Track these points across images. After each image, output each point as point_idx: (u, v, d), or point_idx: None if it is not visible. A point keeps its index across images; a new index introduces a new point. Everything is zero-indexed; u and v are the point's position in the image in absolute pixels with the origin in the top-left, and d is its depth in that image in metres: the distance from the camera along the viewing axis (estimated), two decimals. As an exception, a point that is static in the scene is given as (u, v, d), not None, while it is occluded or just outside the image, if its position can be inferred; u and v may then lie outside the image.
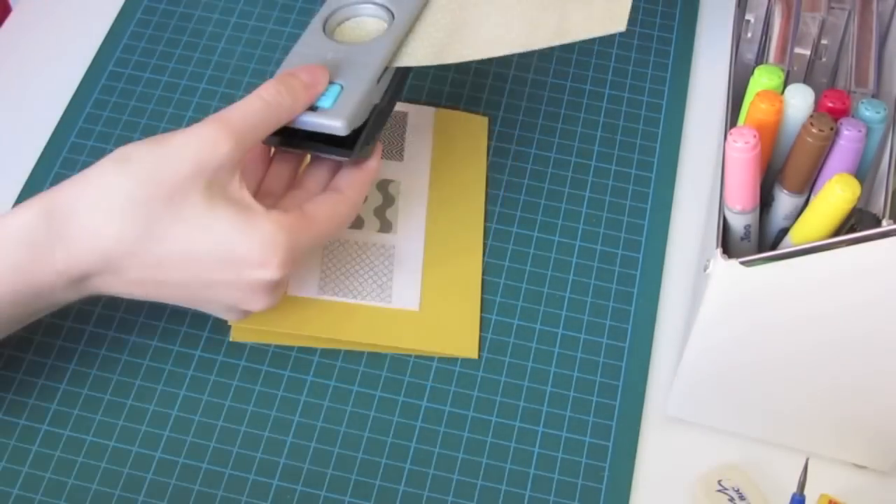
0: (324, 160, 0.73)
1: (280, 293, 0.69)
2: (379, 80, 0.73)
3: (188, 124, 0.86)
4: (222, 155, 0.66)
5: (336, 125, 0.70)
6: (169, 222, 0.65)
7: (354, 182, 0.72)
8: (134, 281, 0.67)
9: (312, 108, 0.70)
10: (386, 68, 0.74)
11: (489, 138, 0.87)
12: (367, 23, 0.77)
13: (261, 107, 0.68)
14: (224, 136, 0.66)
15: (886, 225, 0.62)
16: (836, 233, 0.64)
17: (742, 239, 0.69)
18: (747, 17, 0.76)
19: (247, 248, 0.66)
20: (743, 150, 0.65)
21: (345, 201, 0.71)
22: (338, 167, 0.73)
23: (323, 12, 0.77)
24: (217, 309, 0.70)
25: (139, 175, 0.66)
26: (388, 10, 0.77)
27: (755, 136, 0.64)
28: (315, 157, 0.73)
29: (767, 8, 0.75)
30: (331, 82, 0.72)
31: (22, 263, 0.65)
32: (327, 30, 0.76)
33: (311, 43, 0.75)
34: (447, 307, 0.78)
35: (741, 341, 0.68)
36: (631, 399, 0.76)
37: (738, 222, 0.68)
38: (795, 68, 0.73)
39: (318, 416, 0.74)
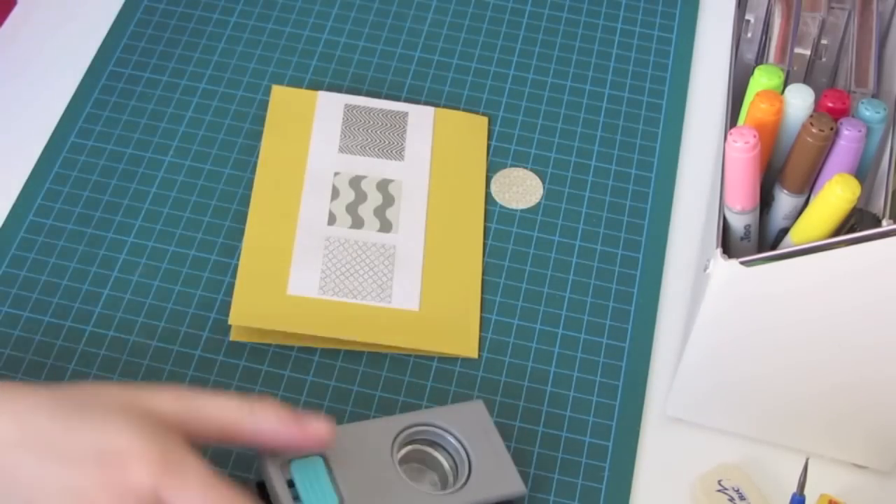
0: None
1: None
2: None
3: (188, 124, 0.86)
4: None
5: None
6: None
7: None
8: None
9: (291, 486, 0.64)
10: None
11: (489, 138, 0.87)
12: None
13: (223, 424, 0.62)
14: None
15: (886, 225, 0.62)
16: (836, 233, 0.64)
17: (742, 239, 0.69)
18: (747, 17, 0.76)
19: None
20: (743, 149, 0.65)
21: None
22: None
23: (402, 421, 0.69)
24: None
25: (26, 428, 0.60)
26: (454, 462, 0.69)
27: (755, 137, 0.64)
28: None
29: (767, 8, 0.75)
30: (332, 482, 0.64)
31: None
32: (396, 444, 0.68)
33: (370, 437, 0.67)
34: (447, 307, 0.78)
35: (741, 341, 0.68)
36: (631, 399, 0.76)
37: (738, 222, 0.68)
38: (795, 68, 0.73)
39: (318, 416, 0.74)
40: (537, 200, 0.83)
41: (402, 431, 0.68)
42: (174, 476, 0.59)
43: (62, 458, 0.59)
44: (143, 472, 0.59)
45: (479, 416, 0.71)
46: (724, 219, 0.68)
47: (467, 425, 0.70)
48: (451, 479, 0.69)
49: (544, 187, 0.85)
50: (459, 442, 0.69)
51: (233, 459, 0.72)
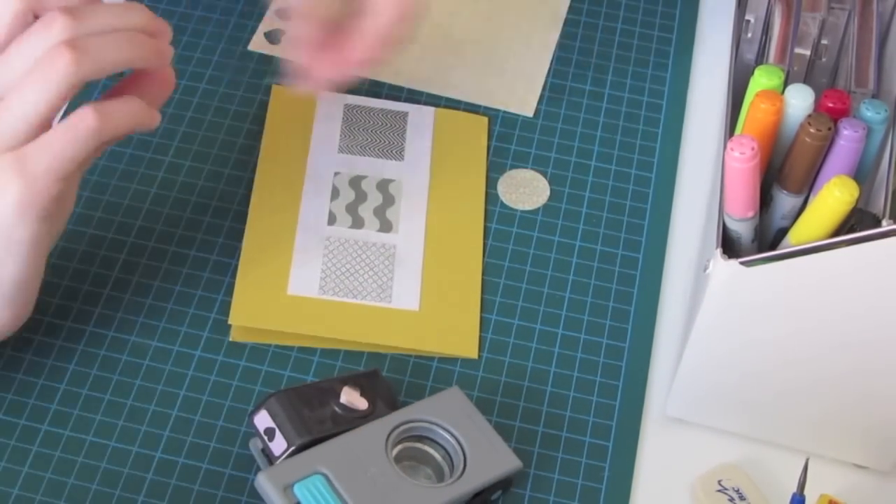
0: None
1: None
2: None
3: (188, 124, 0.86)
4: (7, 205, 0.64)
5: None
6: None
7: None
8: None
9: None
10: None
11: (489, 138, 0.87)
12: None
13: (61, 135, 0.64)
14: (12, 177, 0.64)
15: (886, 225, 0.62)
16: (836, 233, 0.64)
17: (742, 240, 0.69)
18: (747, 17, 0.76)
19: None
20: (741, 160, 0.64)
21: None
22: None
23: (389, 422, 0.69)
24: None
25: None
26: (446, 452, 0.70)
27: (753, 149, 0.64)
28: None
29: (767, 8, 0.75)
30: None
31: None
32: (388, 446, 0.68)
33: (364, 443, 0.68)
34: (447, 307, 0.78)
35: (741, 341, 0.68)
36: (631, 399, 0.76)
37: (737, 228, 0.68)
38: (795, 68, 0.73)
39: (318, 416, 0.74)
40: (543, 202, 0.83)
41: (391, 432, 0.69)
42: None
43: None
44: None
45: (459, 401, 0.71)
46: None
47: (451, 413, 0.70)
48: (445, 469, 0.69)
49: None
50: (448, 431, 0.69)
51: (232, 460, 0.72)
